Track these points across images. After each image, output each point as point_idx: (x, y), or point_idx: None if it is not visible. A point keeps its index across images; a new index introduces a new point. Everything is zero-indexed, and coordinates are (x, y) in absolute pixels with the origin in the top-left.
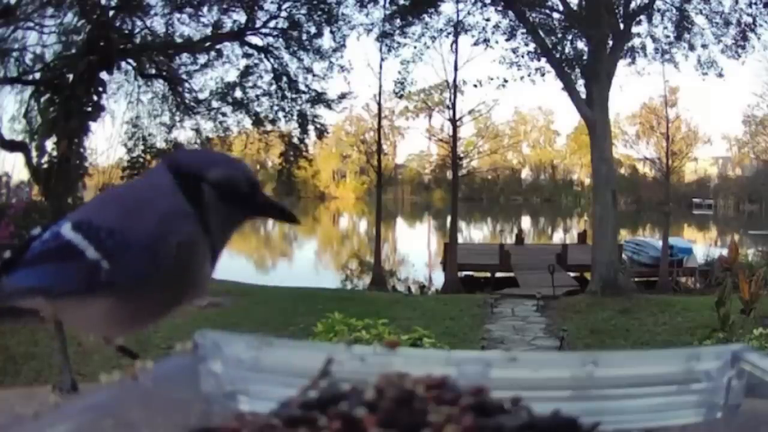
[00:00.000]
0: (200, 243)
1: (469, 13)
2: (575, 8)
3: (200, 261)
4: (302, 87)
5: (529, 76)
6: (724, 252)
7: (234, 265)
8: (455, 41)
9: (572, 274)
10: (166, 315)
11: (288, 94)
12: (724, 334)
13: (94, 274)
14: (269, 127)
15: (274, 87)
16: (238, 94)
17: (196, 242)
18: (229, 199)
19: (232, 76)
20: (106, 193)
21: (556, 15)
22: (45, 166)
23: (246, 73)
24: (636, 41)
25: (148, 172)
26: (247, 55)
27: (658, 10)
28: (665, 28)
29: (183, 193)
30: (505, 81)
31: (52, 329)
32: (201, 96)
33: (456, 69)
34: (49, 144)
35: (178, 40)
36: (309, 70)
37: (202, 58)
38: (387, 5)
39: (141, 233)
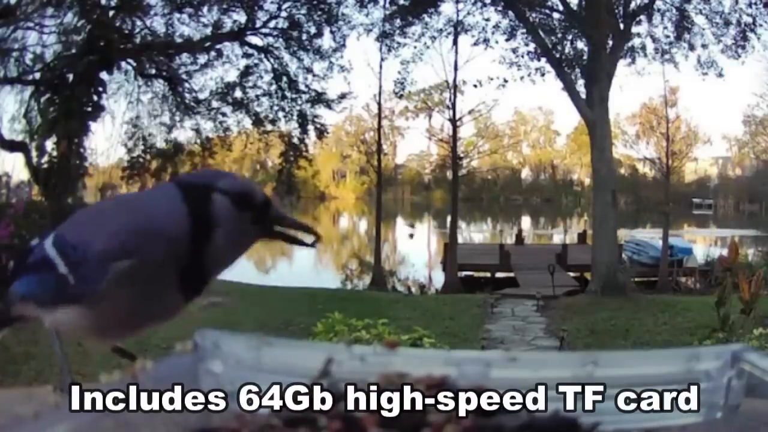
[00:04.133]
0: (162, 265)
1: (469, 13)
2: (575, 8)
3: (157, 285)
4: (302, 87)
5: (529, 76)
6: (724, 252)
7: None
8: (455, 41)
9: (572, 274)
10: (141, 329)
11: (288, 94)
12: (724, 334)
13: (64, 286)
14: (269, 127)
15: (274, 87)
16: (238, 94)
17: (151, 264)
18: (242, 207)
19: (232, 76)
20: (90, 206)
21: (556, 15)
22: (45, 166)
23: (246, 73)
24: (636, 41)
25: (157, 185)
26: (247, 55)
27: (658, 10)
28: (665, 28)
29: (189, 204)
30: (505, 81)
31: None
32: (201, 96)
33: (456, 69)
34: (49, 144)
35: (178, 40)
36: (309, 70)
37: (202, 58)
38: (387, 5)
39: (94, 249)
